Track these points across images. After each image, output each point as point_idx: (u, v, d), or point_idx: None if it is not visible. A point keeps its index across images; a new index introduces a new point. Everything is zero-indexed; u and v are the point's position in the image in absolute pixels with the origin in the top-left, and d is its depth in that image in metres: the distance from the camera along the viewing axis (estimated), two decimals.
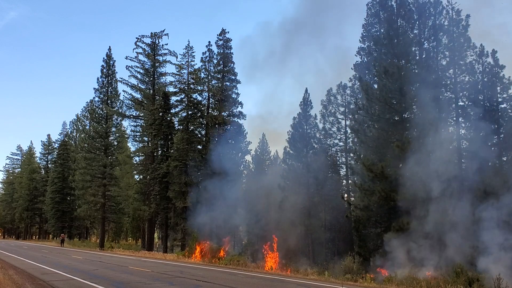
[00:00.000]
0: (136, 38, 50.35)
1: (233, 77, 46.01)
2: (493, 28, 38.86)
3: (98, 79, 54.97)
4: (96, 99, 55.70)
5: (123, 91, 61.67)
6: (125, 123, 66.14)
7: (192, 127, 46.67)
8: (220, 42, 46.35)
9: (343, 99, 39.51)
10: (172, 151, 46.00)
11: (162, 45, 51.41)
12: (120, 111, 53.72)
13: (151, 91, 51.21)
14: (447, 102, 27.22)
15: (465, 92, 27.86)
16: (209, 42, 46.85)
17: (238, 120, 45.50)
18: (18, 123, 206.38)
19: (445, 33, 28.25)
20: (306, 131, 37.38)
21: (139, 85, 51.23)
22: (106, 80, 54.97)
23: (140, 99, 51.63)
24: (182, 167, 43.52)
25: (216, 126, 44.92)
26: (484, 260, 19.34)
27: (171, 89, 49.96)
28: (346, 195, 37.11)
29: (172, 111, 49.05)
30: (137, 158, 54.51)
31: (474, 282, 17.35)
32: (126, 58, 50.74)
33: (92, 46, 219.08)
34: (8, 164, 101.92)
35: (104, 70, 55.11)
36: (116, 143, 56.30)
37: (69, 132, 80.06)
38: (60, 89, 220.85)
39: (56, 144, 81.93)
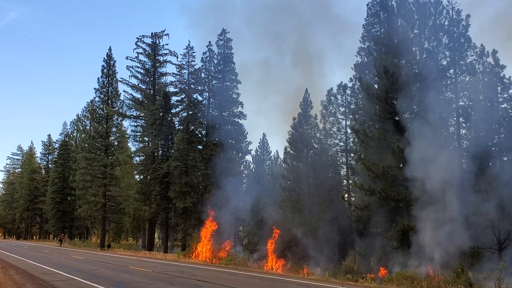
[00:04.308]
0: (137, 38, 50.51)
1: (234, 77, 46.03)
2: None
3: (98, 79, 55.07)
4: (97, 99, 55.81)
5: (124, 91, 61.63)
6: (126, 123, 66.12)
7: (192, 127, 46.70)
8: (221, 42, 46.38)
9: (343, 99, 39.46)
10: (172, 151, 46.04)
11: (163, 45, 51.59)
12: (121, 111, 53.74)
13: (152, 91, 51.24)
14: (448, 102, 27.21)
15: (465, 92, 27.86)
16: (210, 42, 46.88)
17: (239, 120, 45.54)
18: (19, 123, 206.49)
19: (445, 33, 28.24)
20: (307, 131, 37.33)
21: (140, 85, 51.28)
22: (106, 80, 54.99)
23: (140, 99, 51.66)
24: (182, 167, 43.55)
25: (217, 126, 44.97)
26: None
27: (171, 89, 50.09)
28: (346, 195, 37.06)
29: (173, 111, 49.11)
30: (137, 158, 54.53)
31: (474, 283, 17.35)
32: (127, 58, 50.91)
33: (93, 46, 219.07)
34: (8, 164, 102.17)
35: (105, 70, 55.14)
36: (116, 143, 56.30)
37: (69, 132, 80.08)
38: (61, 89, 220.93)
39: (57, 144, 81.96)
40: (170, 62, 51.61)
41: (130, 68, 50.41)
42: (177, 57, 49.82)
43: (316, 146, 37.61)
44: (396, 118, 26.32)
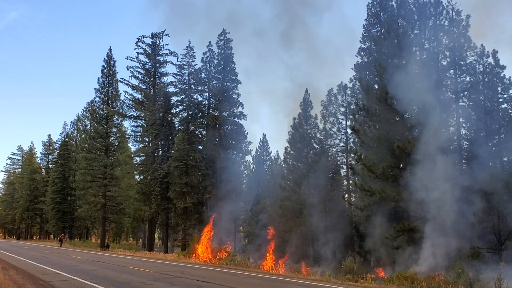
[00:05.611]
0: (137, 38, 50.51)
1: (234, 77, 46.05)
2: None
3: (98, 79, 55.03)
4: (97, 99, 55.82)
5: (124, 91, 61.71)
6: (126, 123, 66.22)
7: (192, 127, 46.73)
8: (221, 43, 46.39)
9: (343, 99, 39.49)
10: (172, 151, 46.05)
11: (163, 45, 51.58)
12: (121, 111, 53.73)
13: (152, 91, 51.25)
14: (448, 103, 27.22)
15: (465, 93, 27.87)
16: (210, 42, 46.91)
17: (239, 120, 45.56)
18: (19, 123, 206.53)
19: (445, 34, 28.27)
20: (307, 131, 37.34)
21: (140, 85, 51.29)
22: (106, 80, 54.97)
23: (140, 100, 51.67)
24: (182, 168, 43.58)
25: (217, 126, 44.98)
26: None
27: (171, 89, 50.09)
28: (346, 196, 37.08)
29: (173, 111, 49.11)
30: (137, 159, 54.53)
31: (474, 283, 17.33)
32: (127, 58, 50.90)
33: (93, 46, 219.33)
34: (9, 165, 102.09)
35: (105, 71, 55.13)
36: (116, 144, 56.27)
37: (69, 133, 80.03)
38: (61, 89, 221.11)
39: (57, 144, 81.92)
40: (170, 62, 51.66)
41: (130, 68, 50.47)
42: (178, 57, 49.89)
43: (316, 146, 37.63)
44: (396, 118, 26.34)
